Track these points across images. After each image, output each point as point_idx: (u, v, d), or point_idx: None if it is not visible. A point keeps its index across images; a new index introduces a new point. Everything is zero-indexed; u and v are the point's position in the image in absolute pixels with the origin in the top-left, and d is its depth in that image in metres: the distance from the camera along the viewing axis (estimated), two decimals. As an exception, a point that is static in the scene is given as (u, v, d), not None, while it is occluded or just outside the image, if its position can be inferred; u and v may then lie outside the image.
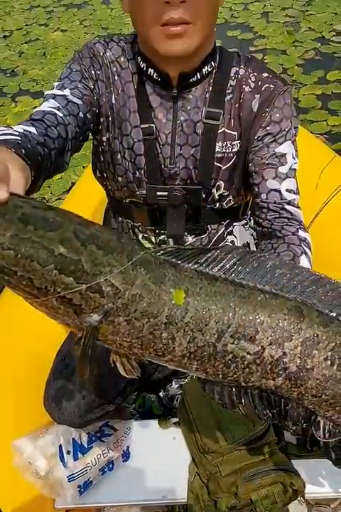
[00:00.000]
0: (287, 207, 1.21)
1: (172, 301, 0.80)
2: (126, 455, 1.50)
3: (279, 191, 1.21)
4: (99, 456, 1.43)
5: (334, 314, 0.84)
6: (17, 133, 0.98)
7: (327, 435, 0.91)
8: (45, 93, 1.21)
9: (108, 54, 1.30)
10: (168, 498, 1.44)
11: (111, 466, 1.46)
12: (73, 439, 1.42)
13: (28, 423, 1.51)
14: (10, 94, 4.06)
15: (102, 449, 1.45)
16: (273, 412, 0.88)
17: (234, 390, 0.87)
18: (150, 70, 1.25)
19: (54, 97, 1.18)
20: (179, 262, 0.82)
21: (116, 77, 1.29)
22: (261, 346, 0.82)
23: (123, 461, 1.49)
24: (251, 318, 0.81)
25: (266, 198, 1.21)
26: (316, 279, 0.85)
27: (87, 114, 1.23)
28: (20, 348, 1.66)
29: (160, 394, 1.86)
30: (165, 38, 1.13)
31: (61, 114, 1.14)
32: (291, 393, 0.86)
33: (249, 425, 1.36)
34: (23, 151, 0.89)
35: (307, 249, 1.16)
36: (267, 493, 1.31)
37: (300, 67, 4.13)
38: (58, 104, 1.16)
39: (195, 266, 0.82)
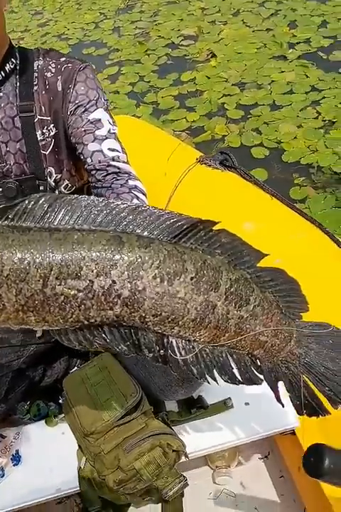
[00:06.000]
0: (113, 163, 1.26)
1: None
2: (16, 459, 1.49)
3: (101, 151, 1.26)
4: (-14, 466, 1.42)
5: (154, 235, 0.85)
6: None
7: (183, 353, 0.91)
8: None
9: None
10: (62, 491, 1.45)
11: (0, 472, 1.46)
12: None
13: None
14: None
15: (-10, 457, 1.44)
16: (128, 345, 0.88)
17: (84, 330, 0.86)
18: None
19: None
20: None
21: None
22: (89, 280, 0.81)
23: (13, 466, 1.49)
24: (71, 256, 0.81)
25: (91, 161, 1.26)
26: (133, 208, 0.85)
27: None
28: None
29: (60, 401, 1.86)
30: None
31: None
32: (134, 319, 0.86)
33: (122, 400, 1.41)
34: None
35: (138, 194, 1.22)
36: (148, 459, 1.34)
37: (155, 73, 4.30)
38: None
39: (5, 222, 0.81)
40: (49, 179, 1.36)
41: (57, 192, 1.38)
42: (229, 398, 1.56)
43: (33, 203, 0.82)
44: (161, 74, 4.28)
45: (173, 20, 5.03)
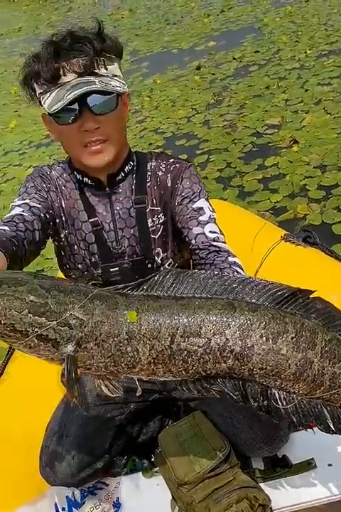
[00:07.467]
0: (214, 243, 1.39)
1: (128, 320, 0.95)
2: (116, 506, 1.59)
3: (204, 234, 1.40)
4: (91, 509, 1.52)
5: (260, 302, 1.00)
6: None
7: (284, 403, 1.03)
8: (10, 205, 1.45)
9: (53, 173, 1.56)
10: (157, 538, 1.53)
11: (105, 517, 1.56)
12: (67, 496, 1.52)
13: (28, 493, 1.61)
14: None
15: (94, 502, 1.55)
16: (237, 395, 1.01)
17: (201, 380, 1.01)
18: (86, 179, 1.51)
19: (18, 205, 1.42)
20: (128, 292, 0.99)
21: (63, 187, 1.54)
22: (207, 338, 0.96)
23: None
24: (193, 318, 0.96)
25: (196, 242, 1.41)
26: (242, 280, 1.01)
27: (46, 215, 1.46)
28: (14, 430, 1.79)
29: (152, 459, 1.95)
30: (89, 155, 1.40)
31: (26, 214, 1.38)
32: (243, 372, 0.99)
33: (212, 454, 1.49)
34: None
35: (237, 269, 1.33)
36: (236, 510, 1.40)
37: (241, 159, 4.49)
38: (22, 209, 1.40)
39: (141, 292, 0.99)
40: (156, 258, 1.53)
41: (162, 269, 1.54)
42: (313, 459, 1.58)
43: (162, 277, 1.00)
44: (247, 160, 4.46)
45: (258, 111, 5.24)
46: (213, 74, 6.55)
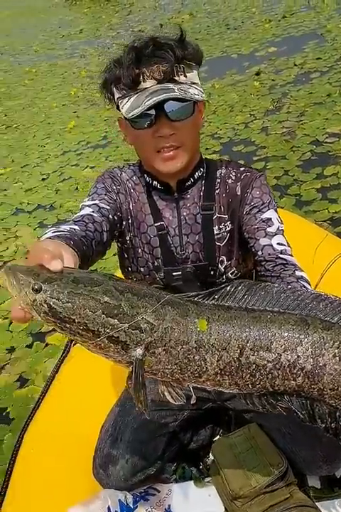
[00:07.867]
0: (281, 256, 1.37)
1: (198, 329, 0.94)
2: (168, 513, 1.59)
3: (271, 245, 1.38)
4: (143, 515, 1.53)
5: (335, 320, 0.96)
6: (65, 230, 1.24)
7: None
8: (81, 205, 1.47)
9: (123, 175, 1.57)
10: None
11: (156, 524, 1.55)
12: (119, 500, 1.53)
13: (80, 493, 1.62)
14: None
15: (146, 507, 1.55)
16: (304, 413, 0.97)
17: (268, 396, 0.98)
18: (155, 183, 1.51)
19: (88, 205, 1.43)
20: (200, 300, 0.98)
21: (132, 190, 1.55)
22: (278, 353, 0.94)
23: (165, 519, 1.58)
24: (264, 332, 0.94)
25: (262, 253, 1.39)
26: (316, 296, 0.98)
27: (114, 216, 1.47)
28: (68, 430, 1.81)
29: (201, 467, 1.94)
30: (162, 161, 1.41)
31: (96, 215, 1.39)
32: (313, 391, 0.96)
33: (269, 469, 1.46)
34: (72, 243, 1.13)
35: (305, 284, 1.30)
36: (292, 528, 1.38)
37: (300, 167, 4.41)
38: (92, 210, 1.41)
39: (212, 301, 0.97)
40: (220, 266, 1.51)
41: (224, 277, 1.53)
42: (373, 482, 1.53)
43: (234, 287, 0.98)
44: (305, 168, 4.38)
45: (319, 119, 5.13)
46: (273, 80, 6.48)
